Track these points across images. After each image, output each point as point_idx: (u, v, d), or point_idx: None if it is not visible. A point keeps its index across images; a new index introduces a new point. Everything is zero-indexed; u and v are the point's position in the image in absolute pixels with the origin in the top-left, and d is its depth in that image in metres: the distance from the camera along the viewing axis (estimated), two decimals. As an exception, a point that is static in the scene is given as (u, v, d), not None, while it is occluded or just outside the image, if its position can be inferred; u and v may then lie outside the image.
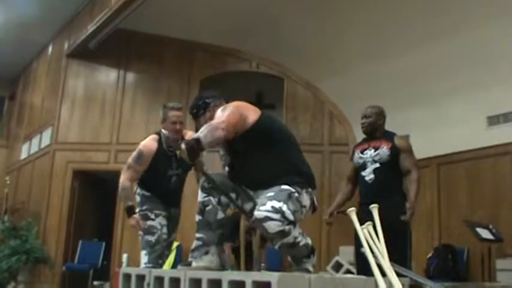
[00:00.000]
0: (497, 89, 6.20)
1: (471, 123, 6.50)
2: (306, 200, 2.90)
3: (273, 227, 2.67)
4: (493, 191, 6.28)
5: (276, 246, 2.80)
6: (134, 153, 4.05)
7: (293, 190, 2.83)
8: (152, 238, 3.98)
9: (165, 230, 4.06)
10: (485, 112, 6.40)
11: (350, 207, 3.13)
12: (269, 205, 2.69)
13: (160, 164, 4.03)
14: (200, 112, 3.12)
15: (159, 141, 4.07)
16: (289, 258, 3.05)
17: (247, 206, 3.00)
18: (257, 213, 2.70)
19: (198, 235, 3.04)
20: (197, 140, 2.66)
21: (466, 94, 6.48)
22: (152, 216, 4.03)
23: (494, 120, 6.38)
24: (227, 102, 3.09)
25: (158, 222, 4.03)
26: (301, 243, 2.85)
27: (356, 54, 7.38)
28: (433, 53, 6.55)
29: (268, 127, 2.98)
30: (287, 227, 2.70)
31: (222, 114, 2.89)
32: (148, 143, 4.06)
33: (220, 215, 3.01)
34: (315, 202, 3.01)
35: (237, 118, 2.86)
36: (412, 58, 6.77)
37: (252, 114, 2.94)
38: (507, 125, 6.24)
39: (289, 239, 2.75)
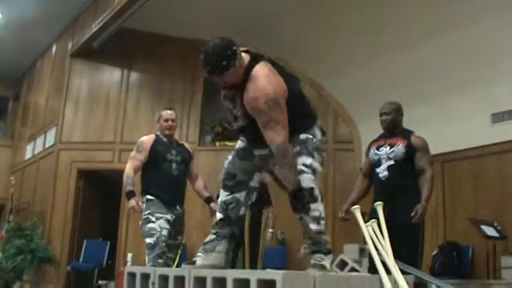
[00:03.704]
0: (501, 86, 6.17)
1: (475, 120, 6.48)
2: (318, 134, 2.96)
3: (307, 180, 2.73)
4: (497, 188, 6.26)
5: (302, 216, 2.77)
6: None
7: (310, 136, 2.88)
8: (151, 240, 4.16)
9: (164, 232, 4.19)
10: (490, 109, 6.38)
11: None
12: (300, 162, 2.76)
13: (160, 148, 4.42)
14: (231, 63, 2.67)
15: (157, 135, 4.54)
16: (303, 250, 2.90)
17: (271, 165, 2.94)
18: None
19: (214, 230, 2.99)
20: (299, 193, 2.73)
21: (470, 91, 6.46)
22: (153, 219, 4.21)
23: (498, 118, 6.36)
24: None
25: (158, 224, 4.19)
26: (323, 228, 2.81)
27: (360, 52, 7.37)
28: (436, 50, 6.53)
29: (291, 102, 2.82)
30: (316, 190, 2.76)
31: (277, 127, 2.67)
32: (147, 136, 4.57)
33: (243, 211, 2.99)
34: (323, 129, 3.06)
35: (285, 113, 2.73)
36: (415, 55, 6.75)
37: (283, 96, 2.74)
38: (511, 122, 6.23)
39: (315, 210, 2.76)
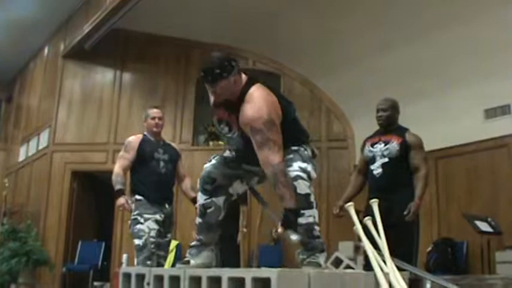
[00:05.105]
0: (494, 82, 6.20)
1: (468, 116, 6.51)
2: (309, 152, 2.95)
3: (303, 187, 2.69)
4: (491, 183, 6.30)
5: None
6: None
7: (302, 148, 2.88)
8: (140, 242, 4.19)
9: (153, 233, 4.23)
10: (483, 105, 6.41)
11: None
12: (296, 165, 2.74)
13: (147, 147, 4.47)
14: (224, 75, 2.72)
15: (144, 135, 4.59)
16: (298, 253, 2.86)
17: (254, 182, 3.04)
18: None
19: (197, 236, 3.04)
20: (294, 211, 2.65)
21: (463, 88, 6.48)
22: (141, 220, 4.25)
23: (491, 113, 6.40)
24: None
25: (147, 226, 4.23)
26: (317, 234, 2.79)
27: (353, 50, 7.38)
28: (429, 48, 6.55)
29: (286, 123, 2.86)
30: (312, 196, 2.74)
31: (272, 150, 2.67)
32: (134, 135, 4.65)
33: (222, 216, 3.00)
34: (315, 151, 3.03)
35: (280, 135, 2.74)
36: (408, 53, 6.78)
37: (278, 119, 2.77)
38: (504, 118, 6.26)
39: (310, 217, 2.73)
